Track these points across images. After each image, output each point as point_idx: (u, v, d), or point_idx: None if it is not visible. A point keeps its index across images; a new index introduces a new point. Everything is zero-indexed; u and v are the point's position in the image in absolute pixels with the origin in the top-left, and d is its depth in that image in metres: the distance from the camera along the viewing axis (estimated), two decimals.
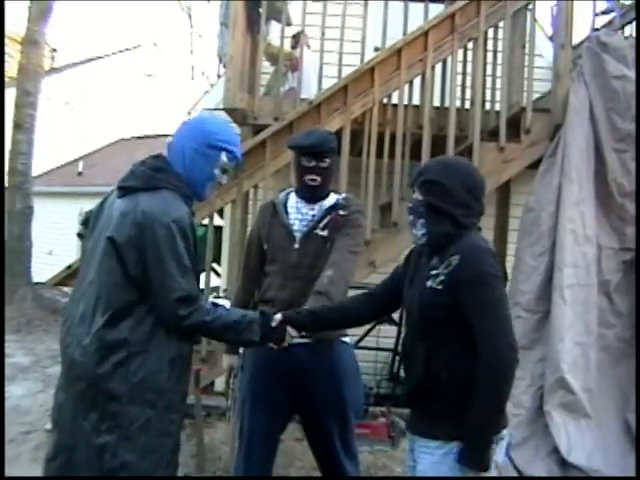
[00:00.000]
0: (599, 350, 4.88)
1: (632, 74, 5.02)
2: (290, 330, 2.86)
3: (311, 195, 3.42)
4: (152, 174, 2.65)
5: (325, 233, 3.36)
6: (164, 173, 2.66)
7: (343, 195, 3.53)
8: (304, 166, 3.37)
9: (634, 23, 6.16)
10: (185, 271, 2.54)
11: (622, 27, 5.96)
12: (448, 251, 2.45)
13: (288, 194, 3.52)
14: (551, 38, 7.61)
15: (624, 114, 5.02)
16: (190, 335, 2.67)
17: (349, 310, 2.93)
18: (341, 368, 3.37)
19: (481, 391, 2.29)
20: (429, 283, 2.45)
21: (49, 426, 3.59)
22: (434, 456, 2.39)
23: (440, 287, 2.41)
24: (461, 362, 2.38)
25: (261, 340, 2.73)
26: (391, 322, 6.49)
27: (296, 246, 3.34)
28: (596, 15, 5.94)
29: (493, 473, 2.37)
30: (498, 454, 2.38)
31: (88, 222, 2.81)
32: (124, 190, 2.65)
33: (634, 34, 6.10)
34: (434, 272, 2.45)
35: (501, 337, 2.31)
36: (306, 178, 3.37)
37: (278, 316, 2.82)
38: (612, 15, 6.61)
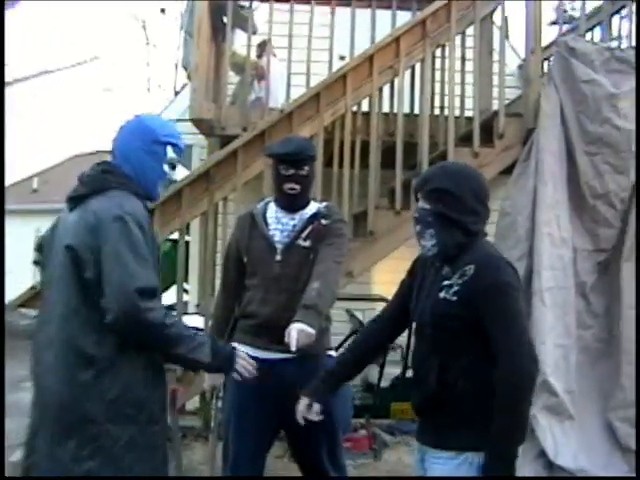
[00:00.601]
0: (578, 351, 4.89)
1: (600, 78, 5.06)
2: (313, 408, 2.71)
3: (290, 204, 3.33)
4: (99, 177, 2.59)
5: (307, 244, 3.27)
6: (112, 175, 2.60)
7: (324, 204, 3.44)
8: (282, 174, 3.29)
9: (597, 28, 6.25)
10: (144, 263, 2.43)
11: (586, 32, 6.00)
12: (461, 261, 2.37)
13: (267, 204, 3.42)
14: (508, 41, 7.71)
15: (593, 117, 5.05)
16: (143, 339, 2.47)
17: (368, 346, 2.84)
18: None
19: (503, 404, 2.22)
20: (442, 294, 2.37)
21: (15, 458, 3.40)
22: (447, 466, 2.33)
23: (454, 298, 2.33)
24: (477, 372, 2.31)
25: (208, 365, 2.56)
26: None
27: (278, 258, 3.25)
28: (560, 24, 6.00)
29: None
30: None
31: (42, 248, 2.70)
32: (74, 201, 2.57)
33: (596, 39, 6.18)
34: (447, 283, 2.37)
35: (522, 349, 2.25)
36: (285, 187, 3.29)
37: (235, 344, 2.73)
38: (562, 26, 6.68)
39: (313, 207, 3.38)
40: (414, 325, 2.57)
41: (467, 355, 2.33)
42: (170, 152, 2.70)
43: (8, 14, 13.65)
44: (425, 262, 2.57)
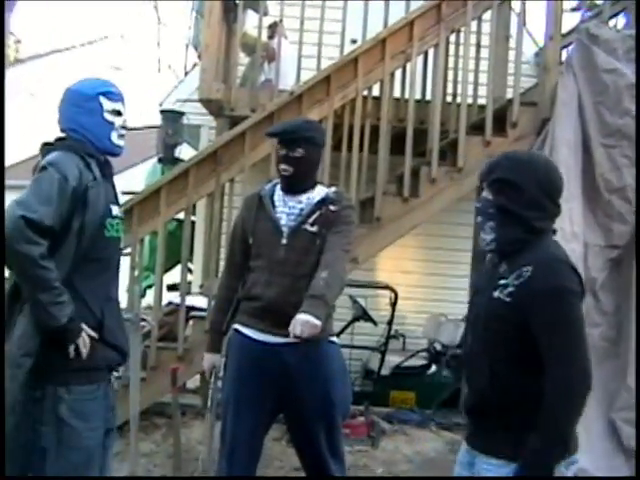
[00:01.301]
0: None
1: (623, 67, 4.92)
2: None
3: (285, 185, 3.28)
4: (50, 145, 2.71)
5: (314, 229, 3.21)
6: (61, 141, 2.73)
7: (333, 189, 3.37)
8: (278, 155, 3.29)
9: (622, 15, 6.11)
10: (44, 202, 2.49)
11: (610, 18, 5.86)
12: (520, 259, 2.20)
13: (275, 185, 3.36)
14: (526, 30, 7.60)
15: (613, 109, 4.92)
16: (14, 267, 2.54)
17: None
18: (328, 368, 3.24)
19: (547, 417, 2.10)
20: (496, 293, 2.22)
21: None
22: (498, 474, 2.21)
23: (508, 299, 2.18)
24: (531, 380, 2.17)
25: (61, 325, 2.50)
26: (366, 319, 6.44)
27: (283, 241, 3.19)
28: (580, 11, 5.88)
29: None
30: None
31: None
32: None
33: (620, 26, 6.04)
34: (502, 282, 2.22)
35: (575, 363, 2.11)
36: (280, 167, 3.26)
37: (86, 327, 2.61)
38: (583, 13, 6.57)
39: (321, 191, 3.30)
40: (469, 320, 2.45)
41: (518, 361, 2.20)
42: (104, 100, 2.73)
43: None
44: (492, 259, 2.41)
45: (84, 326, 2.58)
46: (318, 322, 2.83)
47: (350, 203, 3.42)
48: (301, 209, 3.25)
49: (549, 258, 2.19)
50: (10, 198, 2.68)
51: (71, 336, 2.54)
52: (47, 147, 2.72)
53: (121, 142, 2.79)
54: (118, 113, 2.76)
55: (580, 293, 2.19)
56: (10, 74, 15.04)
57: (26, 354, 2.50)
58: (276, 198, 3.30)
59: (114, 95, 2.76)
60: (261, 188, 3.38)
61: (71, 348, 2.55)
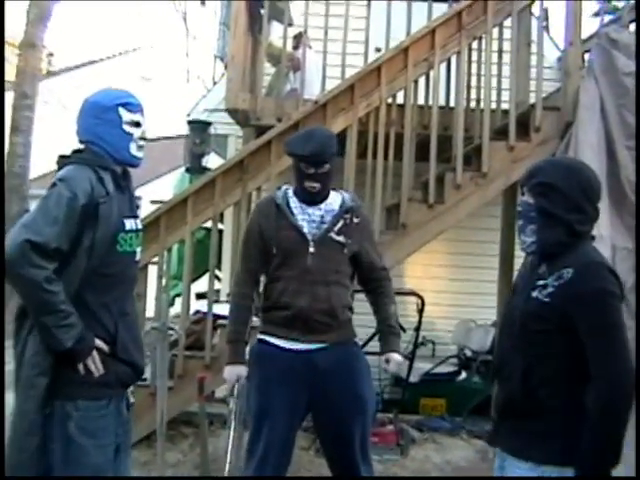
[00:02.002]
0: None
1: None
2: None
3: (311, 200, 3.32)
4: (66, 158, 2.71)
5: (342, 239, 3.29)
6: (77, 153, 2.72)
7: (348, 195, 3.44)
8: (303, 172, 3.26)
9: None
10: (51, 222, 2.47)
11: (630, 22, 5.83)
12: (560, 261, 2.22)
13: (286, 192, 3.38)
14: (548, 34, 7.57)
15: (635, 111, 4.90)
16: (18, 291, 2.52)
17: None
18: (358, 368, 3.33)
19: (594, 424, 2.09)
20: (535, 293, 2.25)
21: None
22: (527, 477, 2.22)
23: (547, 300, 2.20)
24: (564, 383, 2.19)
25: (67, 349, 2.49)
26: None
27: (311, 250, 3.24)
28: (600, 15, 5.85)
29: None
30: None
31: None
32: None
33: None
34: (541, 282, 2.24)
35: (619, 365, 2.10)
36: (306, 184, 3.27)
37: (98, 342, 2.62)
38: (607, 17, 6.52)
39: (336, 197, 3.37)
40: (504, 321, 2.46)
41: (553, 363, 2.21)
42: (123, 112, 2.70)
43: (56, 6, 13.83)
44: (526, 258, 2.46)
45: (97, 341, 2.57)
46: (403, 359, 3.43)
47: (364, 210, 3.53)
48: (321, 216, 3.30)
49: (590, 261, 2.21)
50: None
51: (79, 357, 2.53)
52: (63, 160, 2.70)
53: (140, 153, 2.76)
54: (137, 124, 2.74)
55: (620, 297, 2.21)
56: (42, 86, 15.27)
57: (40, 373, 2.49)
58: (293, 205, 3.32)
59: (133, 106, 2.74)
60: (273, 195, 3.40)
61: (80, 367, 2.54)
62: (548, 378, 2.21)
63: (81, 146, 2.75)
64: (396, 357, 3.35)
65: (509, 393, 2.32)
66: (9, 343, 2.66)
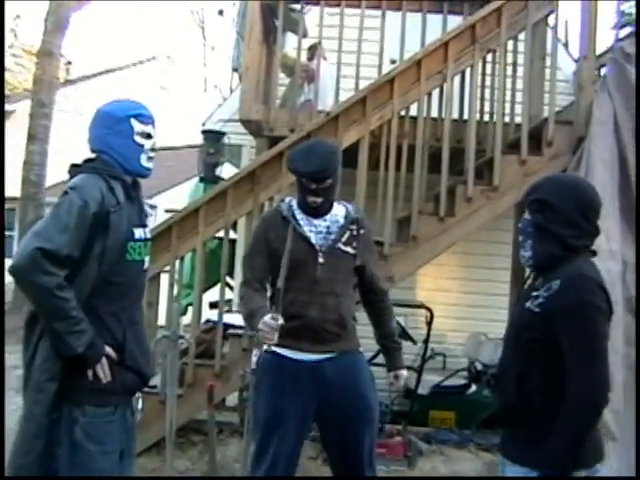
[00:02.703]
0: (625, 369, 4.74)
1: None
2: None
3: (314, 213, 3.35)
4: (77, 167, 2.75)
5: (349, 249, 3.33)
6: (89, 162, 2.76)
7: (352, 206, 3.48)
8: (306, 187, 3.29)
9: None
10: (62, 230, 2.51)
11: None
12: (553, 274, 2.33)
13: (291, 204, 3.40)
14: (566, 49, 7.55)
15: None
16: (30, 297, 2.55)
17: None
18: (363, 376, 3.36)
19: (560, 430, 2.19)
20: (528, 304, 2.37)
21: None
22: (527, 477, 2.29)
23: (537, 310, 2.32)
24: (553, 389, 2.27)
25: (79, 354, 2.53)
26: (405, 338, 6.43)
27: (321, 260, 3.26)
28: (620, 28, 5.80)
29: None
30: None
31: None
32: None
33: None
34: (535, 293, 2.36)
35: (591, 376, 2.19)
36: (308, 199, 3.30)
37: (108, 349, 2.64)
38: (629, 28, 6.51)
39: (341, 209, 3.40)
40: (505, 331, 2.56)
41: (543, 371, 2.30)
42: (134, 123, 2.74)
43: (75, 15, 13.95)
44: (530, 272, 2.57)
45: (107, 348, 2.61)
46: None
47: (364, 217, 3.53)
48: (327, 227, 3.33)
49: (576, 274, 2.30)
50: None
51: (89, 363, 2.57)
52: (75, 168, 2.75)
53: (150, 164, 2.80)
54: (148, 136, 2.78)
55: (605, 310, 2.26)
56: (60, 94, 15.40)
57: (50, 379, 2.53)
58: (299, 217, 3.34)
59: (145, 117, 2.78)
60: (277, 208, 3.42)
61: (89, 373, 2.58)
62: (541, 385, 2.30)
63: (92, 155, 2.79)
64: (404, 373, 3.49)
65: (506, 401, 2.41)
66: (18, 348, 2.70)
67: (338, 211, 3.39)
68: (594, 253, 2.45)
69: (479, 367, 7.18)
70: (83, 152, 2.87)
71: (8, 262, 2.70)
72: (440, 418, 6.56)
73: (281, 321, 2.98)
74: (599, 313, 2.24)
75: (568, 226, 2.35)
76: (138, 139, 2.75)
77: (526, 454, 2.30)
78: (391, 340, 3.49)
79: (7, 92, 27.70)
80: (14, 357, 7.14)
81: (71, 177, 2.71)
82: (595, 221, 2.41)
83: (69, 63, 24.79)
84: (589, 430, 2.20)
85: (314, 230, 3.31)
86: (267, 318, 2.99)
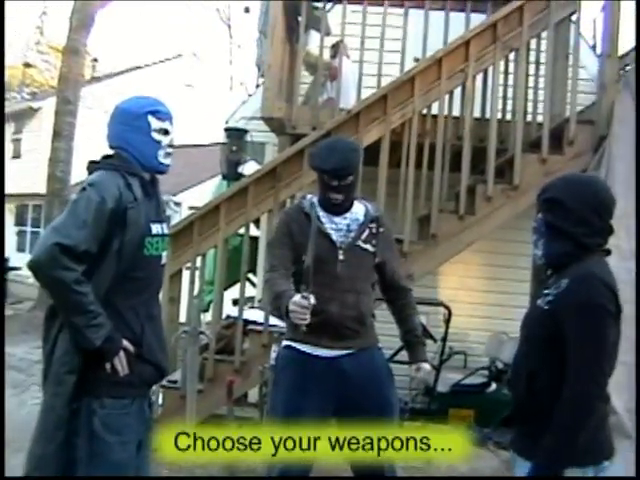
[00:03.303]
0: None
1: None
2: None
3: (335, 211, 3.36)
4: (96, 164, 2.77)
5: (370, 247, 3.35)
6: (107, 159, 2.78)
7: (371, 205, 3.48)
8: (327, 184, 3.29)
9: None
10: (81, 225, 2.54)
11: None
12: (565, 272, 2.35)
13: (312, 201, 3.40)
14: (594, 49, 7.49)
15: None
16: (49, 292, 2.59)
17: None
18: (382, 372, 3.38)
19: (555, 425, 2.23)
20: (539, 301, 2.39)
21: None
22: (528, 477, 2.32)
23: (547, 307, 2.34)
24: (560, 388, 2.28)
25: (97, 347, 2.56)
26: (426, 336, 6.44)
27: (341, 257, 3.28)
28: None
29: None
30: None
31: None
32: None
33: None
34: (546, 291, 2.38)
35: (588, 377, 2.22)
36: (330, 196, 3.31)
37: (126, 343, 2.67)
38: None
39: (361, 207, 3.41)
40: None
41: (551, 368, 2.31)
42: (152, 119, 2.76)
43: (100, 13, 14.04)
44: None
45: (125, 342, 2.65)
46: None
47: (383, 215, 3.55)
48: (347, 225, 3.34)
49: (585, 273, 2.30)
50: None
51: (107, 355, 2.61)
52: (93, 165, 2.78)
53: (167, 160, 2.82)
54: (165, 132, 2.79)
55: (612, 311, 2.27)
56: (86, 92, 15.54)
57: (69, 371, 2.57)
58: (320, 214, 3.35)
59: (162, 114, 2.80)
60: (299, 204, 3.43)
61: (107, 366, 2.62)
62: (551, 382, 2.30)
63: (111, 152, 2.81)
64: (426, 366, 3.44)
65: (517, 397, 2.44)
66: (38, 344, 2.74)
67: (358, 209, 3.40)
68: (608, 252, 2.45)
69: (500, 366, 7.17)
70: (108, 149, 2.90)
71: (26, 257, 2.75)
72: (459, 416, 6.56)
73: (313, 300, 2.91)
74: (605, 313, 2.25)
75: (580, 224, 2.35)
76: (155, 135, 2.77)
77: (533, 449, 2.31)
78: (413, 335, 3.47)
79: (34, 89, 28.05)
80: (39, 352, 7.27)
81: (89, 174, 2.75)
82: (608, 219, 2.40)
83: (95, 60, 25.02)
84: (583, 426, 2.22)
85: (334, 227, 3.33)
86: (297, 298, 2.93)
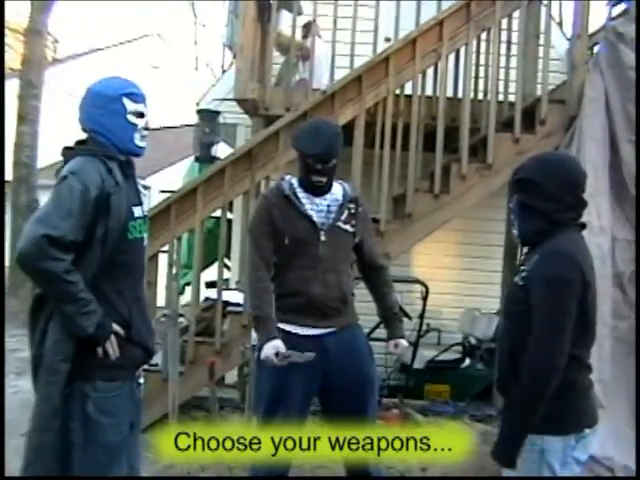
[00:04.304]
0: (613, 341, 4.85)
1: None
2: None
3: (317, 192, 3.41)
4: (70, 149, 2.74)
5: (348, 227, 3.42)
6: (82, 144, 2.75)
7: (348, 185, 3.54)
8: (311, 167, 3.33)
9: None
10: (66, 216, 2.52)
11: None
12: (538, 249, 2.44)
13: (291, 183, 3.43)
14: (560, 26, 7.57)
15: None
16: (39, 284, 2.61)
17: None
18: (363, 348, 3.48)
19: (515, 395, 2.35)
20: (516, 278, 2.48)
21: None
22: (528, 477, 2.43)
23: (521, 283, 2.43)
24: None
25: (89, 335, 2.58)
26: (403, 314, 6.52)
27: (322, 238, 3.34)
28: (613, 5, 5.82)
29: (581, 472, 2.45)
30: (581, 452, 2.42)
31: None
32: (58, 172, 2.72)
33: None
34: (522, 267, 2.47)
35: (545, 350, 2.30)
36: (313, 179, 3.35)
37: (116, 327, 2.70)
38: (623, 5, 6.53)
39: (338, 188, 3.47)
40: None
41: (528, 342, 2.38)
42: (127, 102, 2.72)
43: None
44: None
45: (115, 326, 2.67)
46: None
47: (361, 195, 3.62)
48: (328, 206, 3.40)
49: (553, 248, 2.40)
50: (45, 198, 2.76)
51: (99, 341, 2.62)
52: (68, 151, 2.74)
53: (143, 143, 2.79)
54: (141, 115, 2.76)
55: (576, 284, 2.33)
56: (48, 74, 15.26)
57: (63, 359, 2.58)
58: (300, 196, 3.39)
59: (137, 96, 2.76)
60: (279, 186, 3.45)
61: (99, 350, 2.63)
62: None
63: (84, 135, 2.78)
64: (403, 342, 3.53)
65: (501, 371, 2.52)
66: (19, 332, 2.73)
67: (336, 190, 3.45)
68: (583, 226, 2.53)
69: (473, 342, 7.31)
70: (75, 132, 2.86)
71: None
72: (435, 391, 6.68)
73: (289, 359, 3.17)
74: (567, 287, 2.31)
75: (551, 201, 2.43)
76: (131, 118, 2.73)
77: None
78: (391, 312, 3.56)
79: None
80: (16, 340, 7.20)
81: (66, 160, 2.71)
82: (579, 194, 2.48)
83: (56, 42, 24.53)
84: (538, 398, 2.30)
85: (315, 209, 3.38)
86: (272, 354, 3.16)
